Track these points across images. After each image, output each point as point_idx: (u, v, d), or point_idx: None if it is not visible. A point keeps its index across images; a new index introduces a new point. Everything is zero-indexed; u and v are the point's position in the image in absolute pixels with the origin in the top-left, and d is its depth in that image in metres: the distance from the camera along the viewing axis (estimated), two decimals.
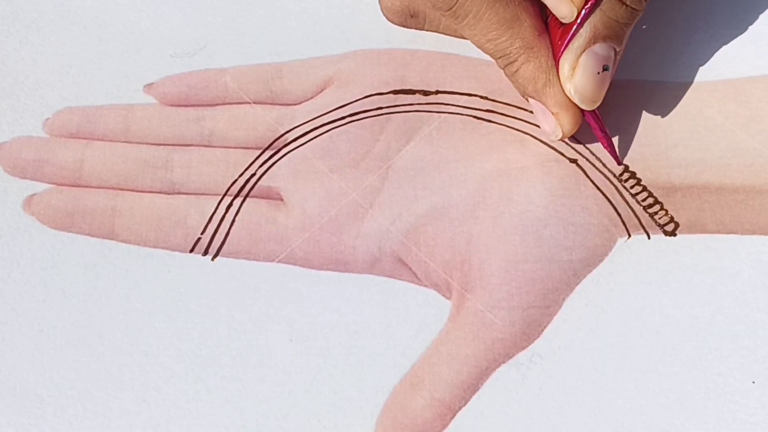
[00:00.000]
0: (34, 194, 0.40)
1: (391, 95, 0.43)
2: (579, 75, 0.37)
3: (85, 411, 0.36)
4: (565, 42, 0.37)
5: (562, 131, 0.39)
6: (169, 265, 0.39)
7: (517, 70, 0.38)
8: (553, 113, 0.38)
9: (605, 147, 0.40)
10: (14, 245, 0.39)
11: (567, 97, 0.38)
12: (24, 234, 0.39)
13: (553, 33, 0.38)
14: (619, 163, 0.41)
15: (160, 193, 0.40)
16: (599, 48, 0.37)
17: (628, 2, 0.37)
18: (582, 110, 0.39)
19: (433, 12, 0.41)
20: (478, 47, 0.39)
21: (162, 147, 0.42)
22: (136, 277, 0.38)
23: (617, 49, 0.38)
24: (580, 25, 0.37)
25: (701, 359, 0.37)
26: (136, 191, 0.40)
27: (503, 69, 0.39)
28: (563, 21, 0.37)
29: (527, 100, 0.40)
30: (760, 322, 0.37)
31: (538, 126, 0.41)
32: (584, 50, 0.37)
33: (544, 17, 0.39)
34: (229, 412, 0.36)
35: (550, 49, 0.38)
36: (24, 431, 0.35)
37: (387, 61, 0.44)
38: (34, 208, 0.40)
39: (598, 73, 0.37)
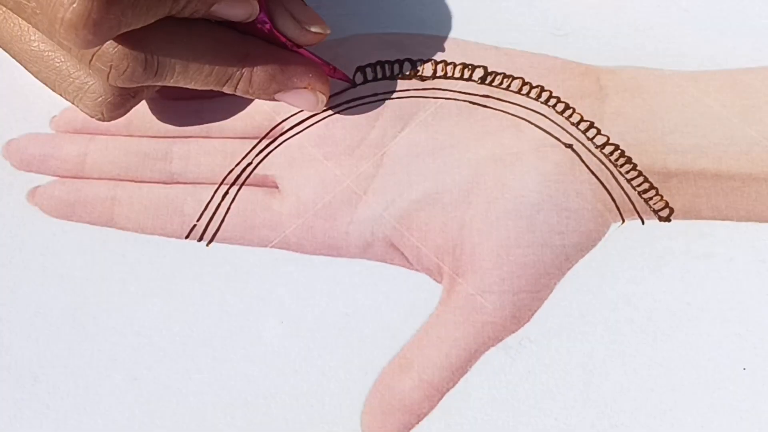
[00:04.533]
0: (38, 186, 0.43)
1: (387, 81, 0.44)
2: (301, 17, 0.40)
3: (77, 388, 0.38)
4: (266, 18, 0.40)
5: (323, 95, 0.42)
6: (164, 250, 0.41)
7: (252, 84, 0.40)
8: (303, 88, 0.41)
9: (330, 74, 0.42)
10: (17, 233, 0.41)
11: (304, 65, 0.41)
12: (27, 223, 0.42)
13: (249, 25, 0.40)
14: (349, 80, 0.43)
15: (159, 183, 0.43)
16: None
17: None
18: (318, 62, 0.41)
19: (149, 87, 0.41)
20: (203, 88, 0.40)
21: (162, 139, 0.44)
22: (131, 261, 0.41)
23: None
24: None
25: (692, 345, 0.38)
26: (136, 182, 0.43)
27: (240, 93, 0.41)
28: (250, 20, 0.39)
29: (274, 100, 0.42)
30: (753, 309, 0.39)
31: (534, 111, 0.43)
32: (282, 4, 0.40)
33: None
34: (218, 390, 0.38)
35: (260, 37, 0.40)
36: (17, 407, 0.38)
37: (385, 45, 0.45)
38: (37, 199, 0.42)
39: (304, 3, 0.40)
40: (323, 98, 0.42)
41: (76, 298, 0.40)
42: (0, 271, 0.41)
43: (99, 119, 0.40)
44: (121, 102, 0.40)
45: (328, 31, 0.41)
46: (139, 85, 0.39)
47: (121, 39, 0.36)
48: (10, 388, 0.38)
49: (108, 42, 0.36)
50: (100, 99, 0.39)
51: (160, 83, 0.39)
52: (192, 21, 0.38)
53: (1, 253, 0.41)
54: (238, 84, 0.40)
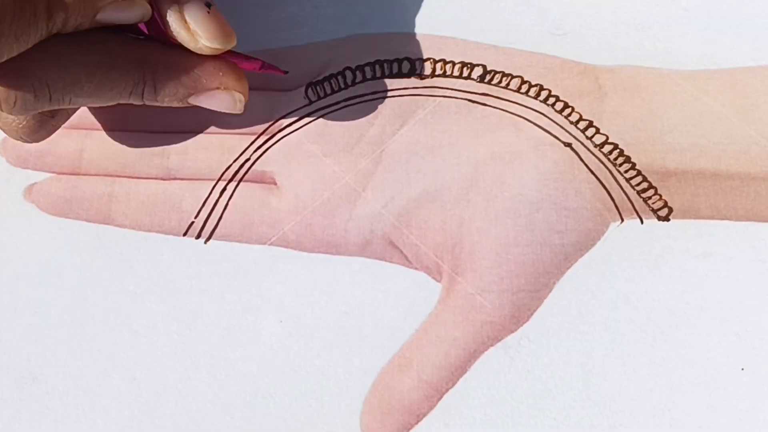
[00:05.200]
0: (35, 183, 0.43)
1: (386, 80, 0.44)
2: (200, 30, 0.37)
3: (75, 388, 0.39)
4: (161, 26, 0.37)
5: (240, 94, 0.39)
6: (162, 248, 0.41)
7: (158, 91, 0.38)
8: (215, 89, 0.38)
9: (262, 69, 0.40)
10: (14, 231, 0.42)
11: (213, 64, 0.38)
12: (24, 221, 0.42)
13: (144, 28, 0.38)
14: (281, 71, 0.41)
15: (156, 179, 0.43)
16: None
17: None
18: (233, 59, 0.39)
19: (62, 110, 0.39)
20: (109, 104, 0.38)
21: (159, 135, 0.44)
22: (129, 259, 0.41)
23: None
24: (153, 5, 0.36)
25: (691, 345, 0.39)
26: (133, 178, 0.43)
27: (148, 103, 0.38)
28: (144, 20, 0.37)
29: (189, 104, 0.39)
30: (751, 308, 0.39)
31: (533, 110, 0.43)
32: (179, 10, 0.37)
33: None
34: (216, 390, 0.39)
35: (160, 40, 0.38)
36: (16, 407, 0.38)
37: (384, 45, 0.45)
38: (34, 196, 0.43)
39: (208, 12, 0.37)
40: (240, 97, 0.39)
41: (74, 297, 0.40)
42: None
43: (24, 142, 0.40)
44: (37, 126, 0.39)
45: (232, 44, 0.38)
46: (40, 111, 0.37)
47: (3, 70, 0.34)
48: (9, 388, 0.39)
49: None
50: (14, 125, 0.39)
51: (62, 107, 0.37)
52: (80, 35, 0.36)
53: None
54: (143, 93, 0.37)
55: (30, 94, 0.35)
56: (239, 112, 0.40)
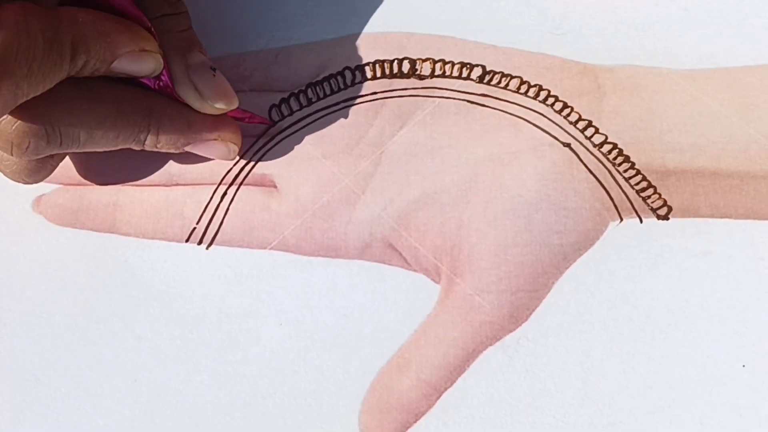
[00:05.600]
0: (43, 194, 0.44)
1: (385, 80, 0.45)
2: (205, 91, 0.39)
3: (78, 390, 0.40)
4: (168, 81, 0.39)
5: (235, 145, 0.41)
6: (165, 255, 0.42)
7: (159, 140, 0.40)
8: (214, 140, 0.41)
9: (248, 121, 0.42)
10: (21, 241, 0.43)
11: (212, 117, 0.40)
12: (31, 231, 0.43)
13: (150, 83, 0.39)
14: (268, 122, 0.43)
15: (158, 186, 0.44)
16: (194, 60, 0.39)
17: (174, 11, 0.39)
18: (230, 113, 0.41)
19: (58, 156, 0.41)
20: (111, 149, 0.39)
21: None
22: (133, 266, 0.42)
23: (201, 48, 0.40)
24: (165, 59, 0.38)
25: (691, 343, 0.39)
26: (137, 185, 0.43)
27: (148, 149, 0.40)
28: (154, 75, 0.38)
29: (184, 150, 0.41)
30: (751, 306, 0.40)
31: (532, 110, 0.43)
32: (187, 73, 0.39)
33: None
34: (217, 391, 0.39)
35: (164, 94, 0.39)
36: (19, 408, 0.39)
37: (383, 45, 0.46)
38: (42, 208, 0.44)
39: (213, 75, 0.40)
40: (234, 147, 0.41)
41: (78, 303, 0.41)
42: (5, 278, 0.42)
43: (23, 183, 0.41)
44: (38, 168, 0.40)
45: (234, 106, 0.40)
46: (48, 155, 0.38)
47: (18, 114, 0.35)
48: (13, 391, 0.39)
49: (6, 119, 0.35)
50: (16, 167, 0.40)
51: (68, 151, 0.39)
52: (91, 83, 0.37)
53: (7, 260, 0.42)
54: (145, 141, 0.39)
55: (43, 140, 0.36)
56: (231, 160, 0.42)
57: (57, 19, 0.35)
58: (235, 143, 0.41)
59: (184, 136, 0.40)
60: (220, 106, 0.40)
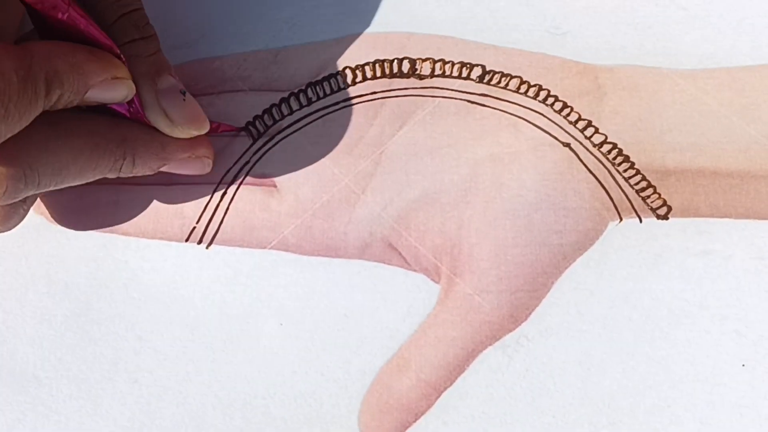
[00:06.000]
0: (44, 195, 0.44)
1: (385, 80, 0.45)
2: (175, 117, 0.39)
3: (79, 391, 0.40)
4: (137, 106, 0.38)
5: (208, 159, 0.42)
6: (166, 255, 0.42)
7: (135, 165, 0.39)
8: (190, 158, 0.41)
9: (222, 130, 0.43)
10: (23, 242, 0.43)
11: (188, 139, 0.40)
12: (33, 232, 0.43)
13: (122, 109, 0.39)
14: (235, 129, 0.43)
15: (159, 185, 0.44)
16: (163, 85, 0.39)
17: (142, 35, 0.39)
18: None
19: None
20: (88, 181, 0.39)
21: None
22: (133, 267, 0.42)
23: (171, 72, 0.39)
24: (136, 84, 0.38)
25: (691, 342, 0.40)
26: (137, 185, 0.44)
27: (124, 176, 0.39)
28: (127, 100, 0.38)
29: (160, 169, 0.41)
30: (751, 306, 0.40)
31: (532, 110, 0.44)
32: (156, 98, 0.39)
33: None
34: (217, 391, 0.40)
35: (136, 119, 0.39)
36: (20, 410, 0.40)
37: (383, 44, 0.46)
38: (43, 209, 0.44)
39: (183, 100, 0.39)
40: (208, 161, 0.42)
41: (79, 305, 0.42)
42: (7, 279, 0.42)
43: None
44: (10, 213, 0.40)
45: (205, 130, 0.40)
46: (25, 197, 0.37)
47: None
48: (14, 392, 0.40)
49: None
50: None
51: (45, 191, 0.38)
52: (64, 117, 0.36)
53: (9, 261, 0.42)
54: (121, 169, 0.39)
55: (21, 181, 0.35)
56: (206, 172, 0.42)
57: (29, 55, 0.34)
58: (208, 157, 0.41)
59: (158, 158, 0.40)
60: (191, 132, 0.40)
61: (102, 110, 0.38)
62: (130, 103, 0.39)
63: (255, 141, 0.44)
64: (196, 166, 0.41)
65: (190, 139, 0.40)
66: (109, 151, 0.38)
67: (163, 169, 0.40)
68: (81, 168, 0.37)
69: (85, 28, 0.37)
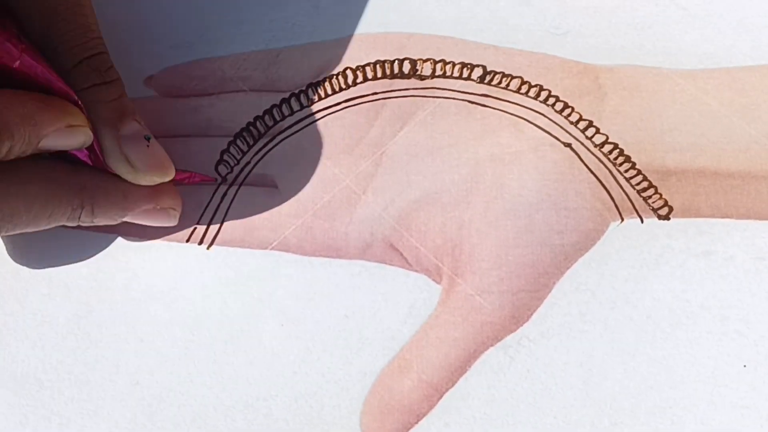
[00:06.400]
0: None
1: (386, 80, 0.45)
2: (138, 164, 0.38)
3: (80, 393, 0.40)
4: (98, 153, 0.38)
5: (175, 211, 0.41)
6: (166, 256, 0.42)
7: (95, 215, 0.38)
8: (154, 209, 0.40)
9: (189, 181, 0.42)
10: (24, 245, 0.43)
11: (147, 189, 0.39)
12: (33, 232, 0.43)
13: (82, 155, 0.38)
14: (212, 179, 0.43)
15: None
16: (126, 131, 0.38)
17: (104, 80, 0.38)
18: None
19: None
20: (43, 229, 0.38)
21: (160, 139, 0.44)
22: (134, 268, 0.42)
23: (135, 117, 0.39)
24: (95, 132, 0.37)
25: (692, 343, 0.40)
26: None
27: (84, 225, 0.39)
28: (85, 146, 0.37)
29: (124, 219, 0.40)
30: (752, 306, 0.40)
31: (532, 111, 0.44)
32: (118, 145, 0.38)
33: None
34: (218, 392, 0.40)
35: (97, 166, 0.39)
36: (23, 412, 0.40)
37: (383, 45, 0.46)
38: None
39: (148, 146, 0.39)
40: (175, 213, 0.41)
41: (80, 307, 0.42)
42: (8, 282, 0.42)
43: None
44: None
45: (170, 177, 0.39)
46: None
47: None
48: (16, 395, 0.40)
49: None
50: None
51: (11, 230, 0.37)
52: (18, 165, 0.36)
53: (10, 264, 0.42)
54: (80, 218, 0.38)
55: None
56: (172, 224, 0.41)
57: None
58: (174, 208, 0.41)
59: (119, 208, 0.39)
60: (154, 180, 0.39)
61: (62, 156, 0.38)
62: (90, 149, 0.38)
63: (256, 141, 0.44)
64: (161, 217, 0.40)
65: (155, 188, 0.39)
66: (66, 200, 0.37)
67: (126, 219, 0.40)
68: (35, 216, 0.36)
69: (41, 74, 0.36)
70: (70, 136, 0.36)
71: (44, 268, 0.42)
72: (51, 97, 0.36)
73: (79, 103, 0.37)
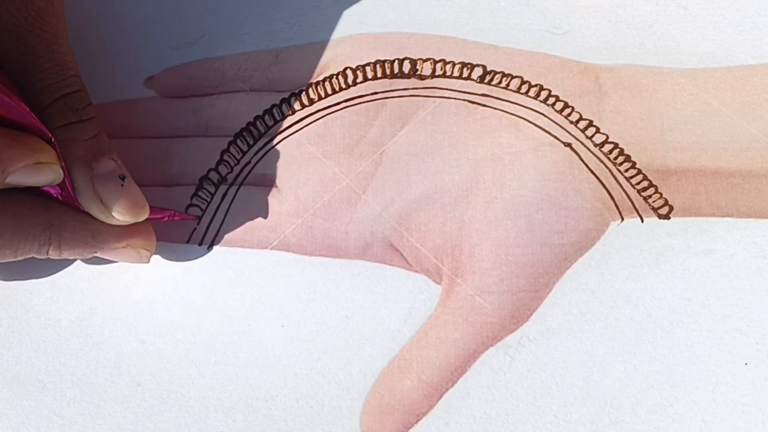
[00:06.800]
0: None
1: (386, 80, 0.45)
2: (111, 204, 0.37)
3: (83, 395, 0.40)
4: (69, 190, 0.37)
5: (147, 251, 0.40)
6: (167, 257, 0.42)
7: (62, 251, 0.38)
8: (126, 249, 0.39)
9: (171, 219, 0.41)
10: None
11: (123, 229, 0.39)
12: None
13: (53, 191, 0.38)
14: (194, 218, 0.42)
15: (159, 186, 0.44)
16: (100, 170, 0.38)
17: (80, 118, 0.38)
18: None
19: None
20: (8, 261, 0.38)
21: (161, 140, 0.45)
22: (136, 270, 0.42)
23: (111, 155, 0.38)
24: (65, 169, 0.37)
25: (693, 342, 0.40)
26: (138, 186, 0.44)
27: (54, 258, 0.39)
28: (55, 183, 0.37)
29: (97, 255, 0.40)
30: (753, 305, 0.40)
31: (533, 110, 0.44)
32: (92, 184, 0.37)
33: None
34: (219, 393, 0.40)
35: (68, 203, 0.38)
36: (25, 414, 0.40)
37: (384, 45, 0.46)
38: None
39: (122, 185, 0.38)
40: (146, 253, 0.40)
41: (82, 309, 0.42)
42: (12, 286, 0.42)
43: None
44: None
45: (143, 217, 0.39)
46: None
47: None
48: (19, 396, 0.40)
49: None
50: None
51: None
52: None
53: (11, 265, 0.42)
54: (48, 253, 0.38)
55: None
56: (145, 263, 0.40)
57: None
58: (146, 249, 0.40)
59: (87, 246, 0.38)
60: (127, 220, 0.38)
61: (33, 191, 0.37)
62: (62, 186, 0.38)
63: (256, 141, 0.44)
64: (132, 256, 0.40)
65: (127, 228, 0.39)
66: (32, 236, 0.37)
67: (97, 255, 0.39)
68: (1, 249, 0.36)
69: (13, 110, 0.36)
70: (39, 173, 0.36)
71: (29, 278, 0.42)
72: (20, 133, 0.36)
73: (53, 140, 0.37)
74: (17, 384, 0.40)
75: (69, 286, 0.42)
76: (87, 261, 0.42)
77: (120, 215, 0.38)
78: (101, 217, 0.38)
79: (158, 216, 0.41)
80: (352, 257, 0.42)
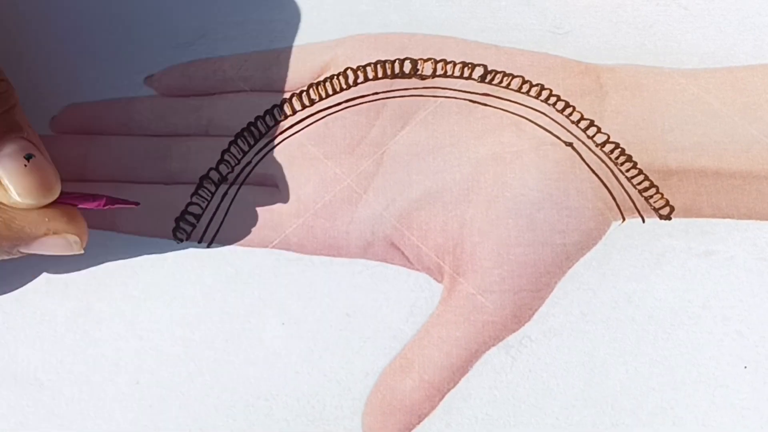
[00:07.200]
0: None
1: (387, 80, 0.45)
2: (11, 185, 0.35)
3: (81, 393, 0.40)
4: None
5: (75, 237, 0.37)
6: (166, 253, 0.42)
7: None
8: (45, 236, 0.36)
9: (107, 206, 0.38)
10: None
11: (39, 214, 0.36)
12: None
13: None
14: (134, 203, 0.39)
15: (159, 183, 0.44)
16: (5, 148, 0.35)
17: None
18: (70, 200, 0.37)
19: None
20: None
21: (161, 138, 0.44)
22: (133, 265, 0.42)
23: (24, 134, 0.36)
24: None
25: (693, 343, 0.40)
26: (137, 183, 0.44)
27: None
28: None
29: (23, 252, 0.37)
30: (754, 306, 0.40)
31: (534, 110, 0.44)
32: None
33: None
34: (219, 392, 0.40)
35: None
36: (23, 413, 0.39)
37: (384, 45, 0.46)
38: None
39: (26, 165, 0.35)
40: (75, 238, 0.37)
41: (79, 305, 0.41)
42: (6, 280, 0.42)
43: None
44: None
45: (51, 199, 0.36)
46: None
47: None
48: (16, 395, 0.40)
49: None
50: None
51: None
52: None
53: (8, 262, 0.42)
54: None
55: None
56: (79, 253, 0.38)
57: None
58: (74, 233, 0.37)
59: (6, 239, 0.35)
60: (30, 202, 0.35)
61: None
62: None
63: (257, 141, 0.44)
64: (60, 245, 0.37)
65: (44, 212, 0.36)
66: None
67: (22, 250, 0.37)
68: None
69: None
70: None
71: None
72: None
73: None
74: (14, 382, 0.40)
75: (64, 281, 0.41)
76: (17, 260, 0.39)
77: (22, 198, 0.35)
78: (4, 200, 0.35)
79: (92, 204, 0.38)
80: (353, 256, 0.41)
